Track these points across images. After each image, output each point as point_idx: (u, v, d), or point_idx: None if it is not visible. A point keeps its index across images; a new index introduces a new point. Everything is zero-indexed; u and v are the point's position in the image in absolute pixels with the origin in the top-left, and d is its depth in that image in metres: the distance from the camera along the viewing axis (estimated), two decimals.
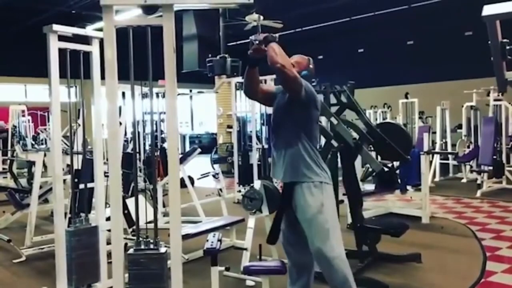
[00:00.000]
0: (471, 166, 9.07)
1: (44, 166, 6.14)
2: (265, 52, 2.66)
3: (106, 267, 3.61)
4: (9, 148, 10.70)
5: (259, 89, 2.90)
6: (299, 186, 2.73)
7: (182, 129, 18.30)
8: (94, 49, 3.55)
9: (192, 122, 20.44)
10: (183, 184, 5.25)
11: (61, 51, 3.36)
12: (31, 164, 8.11)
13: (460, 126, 10.30)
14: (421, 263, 4.15)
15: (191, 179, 6.61)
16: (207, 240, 2.68)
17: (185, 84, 14.01)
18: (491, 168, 7.89)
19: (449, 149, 9.92)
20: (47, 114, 12.13)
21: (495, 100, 8.68)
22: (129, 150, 7.44)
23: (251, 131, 8.39)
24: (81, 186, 3.78)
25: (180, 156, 6.14)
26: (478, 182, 8.04)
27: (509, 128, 8.97)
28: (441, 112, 10.03)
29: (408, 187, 6.25)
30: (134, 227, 3.12)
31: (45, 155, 5.88)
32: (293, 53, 2.98)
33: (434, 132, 10.08)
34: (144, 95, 5.85)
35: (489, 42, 1.76)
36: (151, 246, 2.53)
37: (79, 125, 4.80)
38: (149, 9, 2.30)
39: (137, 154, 3.70)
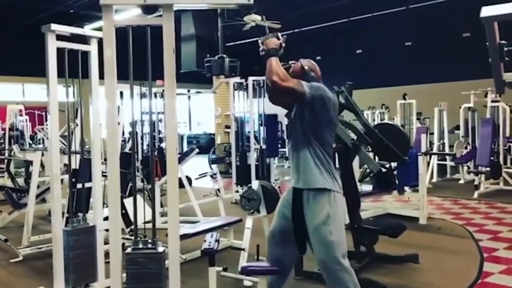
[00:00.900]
0: (469, 167, 9.09)
1: (42, 165, 6.13)
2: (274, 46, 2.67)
3: (104, 267, 3.61)
4: (6, 147, 10.68)
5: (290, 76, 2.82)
6: (307, 193, 2.69)
7: (180, 129, 18.28)
8: (93, 48, 3.55)
9: (190, 122, 20.43)
10: (181, 184, 5.25)
11: (59, 51, 3.36)
12: (28, 163, 8.08)
13: (457, 127, 10.33)
14: (418, 264, 4.16)
15: (189, 179, 6.62)
16: (205, 241, 2.68)
17: (183, 84, 14.01)
18: (488, 169, 7.91)
19: (447, 150, 9.94)
20: (44, 113, 12.12)
21: (492, 101, 8.70)
22: (126, 150, 7.43)
23: (249, 132, 8.38)
24: (79, 185, 3.77)
25: (178, 156, 6.13)
26: (476, 183, 8.06)
27: (506, 129, 9.00)
28: (439, 113, 10.05)
29: (406, 188, 6.25)
30: (132, 227, 3.12)
31: (42, 154, 5.87)
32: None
33: (432, 133, 10.10)
34: (142, 95, 5.84)
35: (487, 43, 1.77)
36: (149, 246, 2.52)
37: (77, 124, 4.79)
38: (148, 9, 2.30)
39: (135, 154, 3.69)
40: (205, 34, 11.95)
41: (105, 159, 2.67)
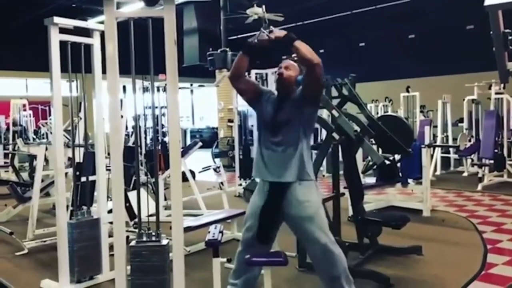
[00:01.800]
0: (472, 160, 9.07)
1: (46, 159, 6.15)
2: (267, 44, 2.68)
3: (108, 260, 3.63)
4: (10, 142, 10.72)
5: (243, 79, 2.92)
6: (298, 183, 2.72)
7: (183, 123, 18.29)
8: (95, 41, 3.55)
9: (193, 116, 20.43)
10: (184, 178, 5.26)
11: (62, 46, 3.36)
12: (32, 158, 8.13)
13: (461, 120, 10.30)
14: (422, 256, 4.16)
15: (192, 173, 6.62)
16: (209, 232, 2.68)
17: (186, 78, 13.99)
18: (492, 161, 7.89)
19: (450, 143, 9.92)
20: (48, 108, 12.15)
21: (496, 93, 8.67)
22: (130, 144, 7.45)
23: (252, 125, 8.38)
24: (83, 179, 3.79)
25: (181, 150, 6.14)
26: (479, 175, 8.04)
27: (510, 121, 8.95)
28: (443, 105, 10.02)
29: (409, 180, 6.25)
30: (136, 220, 3.13)
31: (46, 148, 5.88)
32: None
33: (436, 126, 10.07)
34: (145, 89, 5.85)
35: (491, 32, 1.76)
36: (153, 238, 2.53)
37: (81, 118, 4.81)
38: (150, 1, 2.29)
39: (139, 148, 3.70)
40: (207, 27, 11.93)
41: (109, 153, 2.67)
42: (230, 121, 11.14)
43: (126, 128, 7.94)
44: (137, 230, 2.57)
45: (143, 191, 4.07)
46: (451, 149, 9.71)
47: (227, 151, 11.05)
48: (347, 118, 3.82)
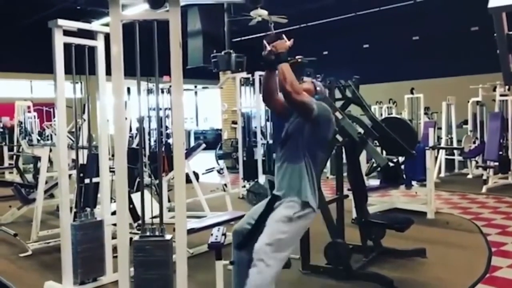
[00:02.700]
0: (477, 162, 9.04)
1: (50, 161, 6.17)
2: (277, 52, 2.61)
3: (112, 261, 3.63)
4: (15, 143, 10.77)
5: (274, 97, 2.80)
6: (284, 201, 2.63)
7: (187, 125, 18.31)
8: (99, 44, 3.56)
9: (197, 118, 20.46)
10: (188, 179, 5.26)
11: (66, 48, 3.37)
12: (37, 159, 8.15)
13: (466, 122, 10.26)
14: (426, 258, 4.15)
15: (196, 175, 6.63)
16: (212, 234, 2.68)
17: (190, 80, 14.02)
18: (497, 163, 7.86)
19: (455, 145, 9.88)
20: (52, 110, 12.19)
21: (501, 95, 8.63)
22: (133, 145, 7.46)
23: (256, 127, 8.38)
24: (87, 180, 3.80)
25: (185, 151, 6.15)
26: (484, 177, 8.01)
27: None
28: (447, 107, 9.99)
29: (413, 183, 6.23)
30: (139, 221, 3.13)
31: (50, 150, 5.91)
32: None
33: (440, 128, 10.04)
34: (149, 91, 5.87)
35: (495, 34, 1.75)
36: (157, 233, 2.52)
37: (84, 120, 4.82)
38: (155, 3, 2.30)
39: (143, 150, 3.71)
40: (211, 29, 11.94)
41: (113, 155, 2.68)
42: (234, 122, 11.15)
43: (130, 129, 7.96)
44: (140, 232, 2.57)
45: (146, 193, 4.09)
46: (455, 151, 9.67)
47: (230, 153, 11.06)
48: (351, 120, 3.81)
